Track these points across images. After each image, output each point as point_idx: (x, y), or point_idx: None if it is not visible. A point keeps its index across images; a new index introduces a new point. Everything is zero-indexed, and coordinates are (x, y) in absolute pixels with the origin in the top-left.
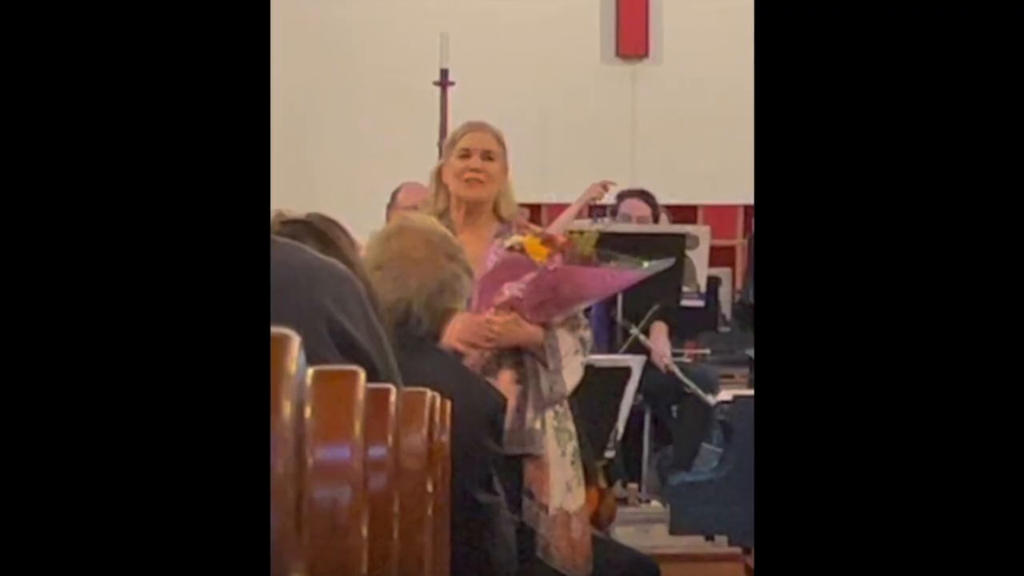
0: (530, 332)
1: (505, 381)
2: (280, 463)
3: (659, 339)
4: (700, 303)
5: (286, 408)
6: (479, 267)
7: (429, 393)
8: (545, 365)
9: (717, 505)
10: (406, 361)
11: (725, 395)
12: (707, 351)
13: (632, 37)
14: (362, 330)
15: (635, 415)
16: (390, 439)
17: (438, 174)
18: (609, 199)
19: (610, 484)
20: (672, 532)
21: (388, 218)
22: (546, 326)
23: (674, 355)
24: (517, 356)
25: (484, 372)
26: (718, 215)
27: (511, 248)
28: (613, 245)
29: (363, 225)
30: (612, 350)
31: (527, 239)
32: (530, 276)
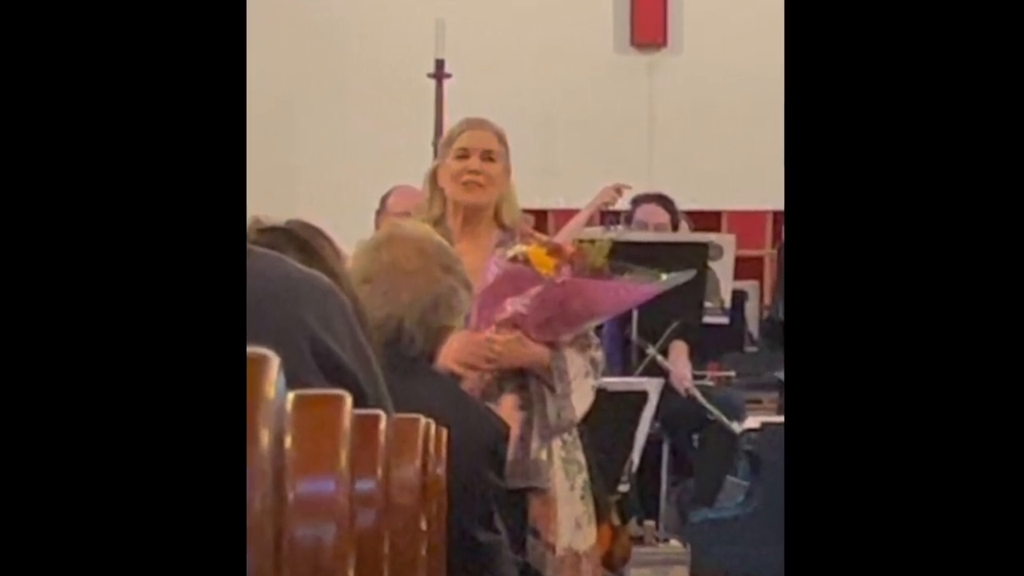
0: (535, 352)
1: (507, 407)
2: (257, 498)
3: (679, 360)
4: (724, 320)
5: (264, 437)
6: (478, 280)
7: (423, 420)
8: (552, 389)
9: (743, 545)
10: (397, 384)
11: (752, 422)
12: (732, 373)
13: (648, 24)
14: (348, 350)
15: (652, 445)
16: (379, 471)
17: (433, 176)
18: (623, 204)
19: (624, 521)
20: (693, 574)
21: (377, 225)
22: (553, 346)
23: (695, 378)
24: (521, 379)
25: (484, 397)
26: (744, 222)
27: (514, 259)
28: (627, 255)
29: (349, 233)
30: (626, 372)
31: (532, 249)
32: (535, 290)
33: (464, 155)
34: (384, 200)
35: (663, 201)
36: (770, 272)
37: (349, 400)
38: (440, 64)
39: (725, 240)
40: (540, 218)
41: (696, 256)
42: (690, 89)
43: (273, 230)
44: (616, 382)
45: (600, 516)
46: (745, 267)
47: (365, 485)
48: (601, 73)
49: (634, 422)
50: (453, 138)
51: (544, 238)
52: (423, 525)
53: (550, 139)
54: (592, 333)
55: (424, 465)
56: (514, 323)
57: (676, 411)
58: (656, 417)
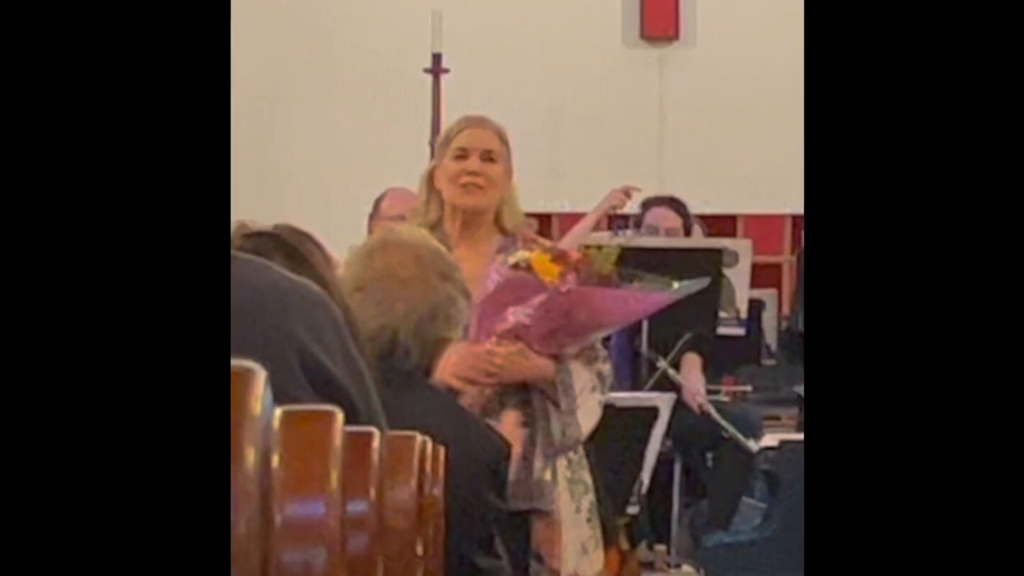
0: (539, 366)
1: (509, 424)
2: (242, 521)
3: (691, 374)
4: (740, 331)
5: (250, 455)
6: (478, 288)
7: (419, 438)
8: (557, 405)
9: (760, 571)
10: (392, 400)
11: (770, 440)
12: (748, 388)
13: (660, 15)
14: (340, 363)
15: (663, 464)
16: (373, 492)
17: (429, 178)
18: (632, 208)
19: (633, 545)
20: None
21: (370, 230)
22: (558, 358)
23: (709, 393)
24: (523, 394)
25: (484, 413)
26: (761, 227)
27: (516, 266)
28: (637, 262)
29: (341, 238)
30: (636, 387)
31: (535, 255)
32: (539, 299)
33: (463, 155)
34: (377, 203)
35: (675, 204)
36: (789, 280)
37: (340, 416)
38: (437, 58)
39: (741, 246)
40: (544, 222)
41: (710, 263)
42: (703, 85)
43: (259, 235)
44: (625, 397)
45: (608, 540)
46: (762, 274)
47: (357, 507)
48: (609, 68)
49: (644, 440)
50: (451, 137)
51: (548, 244)
52: (419, 550)
53: (554, 138)
54: (599, 345)
55: (420, 486)
56: (516, 334)
57: (689, 428)
58: (667, 435)
